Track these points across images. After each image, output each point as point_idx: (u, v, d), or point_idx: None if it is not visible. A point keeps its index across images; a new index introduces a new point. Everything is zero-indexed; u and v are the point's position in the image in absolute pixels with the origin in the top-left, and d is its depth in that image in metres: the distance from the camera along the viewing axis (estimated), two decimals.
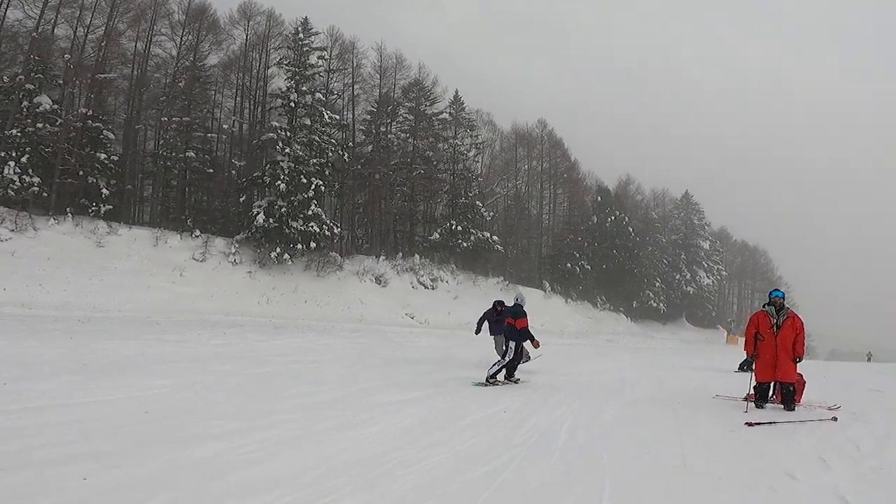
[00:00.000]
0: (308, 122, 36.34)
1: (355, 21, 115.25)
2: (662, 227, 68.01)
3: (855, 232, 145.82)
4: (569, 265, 54.09)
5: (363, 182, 43.32)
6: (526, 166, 55.42)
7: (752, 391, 9.21)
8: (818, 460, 5.72)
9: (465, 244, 43.77)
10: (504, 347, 10.96)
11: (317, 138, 35.95)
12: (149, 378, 8.35)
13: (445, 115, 47.87)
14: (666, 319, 64.47)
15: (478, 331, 13.83)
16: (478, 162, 50.17)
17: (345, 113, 44.41)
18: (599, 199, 58.65)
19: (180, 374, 8.94)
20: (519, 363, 11.35)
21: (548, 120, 56.98)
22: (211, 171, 35.04)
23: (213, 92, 40.13)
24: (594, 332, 49.77)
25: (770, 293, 9.50)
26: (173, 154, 33.83)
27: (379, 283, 37.65)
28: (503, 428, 6.61)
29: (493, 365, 10.65)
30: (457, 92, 48.43)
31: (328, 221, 35.31)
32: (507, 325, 11.01)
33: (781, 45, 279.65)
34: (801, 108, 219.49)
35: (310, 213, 34.15)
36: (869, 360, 45.87)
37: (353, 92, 45.08)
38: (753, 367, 9.25)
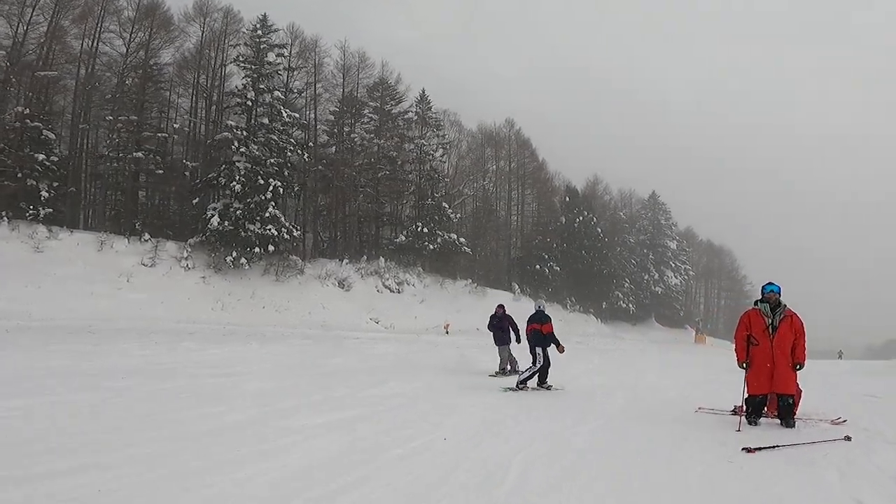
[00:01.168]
0: (266, 121, 34.51)
1: (319, 19, 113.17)
2: (630, 227, 67.50)
3: (818, 230, 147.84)
4: (538, 267, 52.97)
5: (327, 183, 41.57)
6: (493, 166, 54.21)
7: (742, 404, 7.74)
8: None
9: (431, 246, 42.30)
10: (531, 354, 10.82)
11: (275, 138, 34.13)
12: (5, 398, 6.61)
13: (411, 115, 46.42)
14: (635, 320, 63.77)
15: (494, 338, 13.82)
16: (444, 162, 48.72)
17: (306, 112, 42.69)
18: (568, 199, 57.72)
19: (53, 393, 7.33)
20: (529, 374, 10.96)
21: (515, 120, 55.86)
22: (161, 172, 32.82)
23: (166, 91, 38.02)
24: (564, 333, 47.51)
25: (763, 287, 7.78)
26: (121, 155, 31.70)
27: (342, 288, 35.90)
28: (438, 464, 5.09)
29: (525, 371, 10.68)
30: (423, 91, 47.13)
31: (287, 224, 33.50)
32: (532, 330, 10.97)
33: (745, 54, 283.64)
34: (759, 111, 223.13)
35: (267, 215, 32.32)
36: (840, 357, 45.39)
37: (314, 91, 43.30)
38: (744, 377, 7.68)
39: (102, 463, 4.48)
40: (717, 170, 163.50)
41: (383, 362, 14.28)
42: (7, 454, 4.57)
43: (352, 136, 43.33)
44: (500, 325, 13.60)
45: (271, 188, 32.56)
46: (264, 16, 38.22)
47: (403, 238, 42.35)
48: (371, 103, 45.35)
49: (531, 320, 11.14)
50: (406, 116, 46.20)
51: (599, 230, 58.00)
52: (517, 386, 10.39)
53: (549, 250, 54.31)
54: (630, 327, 62.20)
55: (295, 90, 40.10)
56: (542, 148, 58.57)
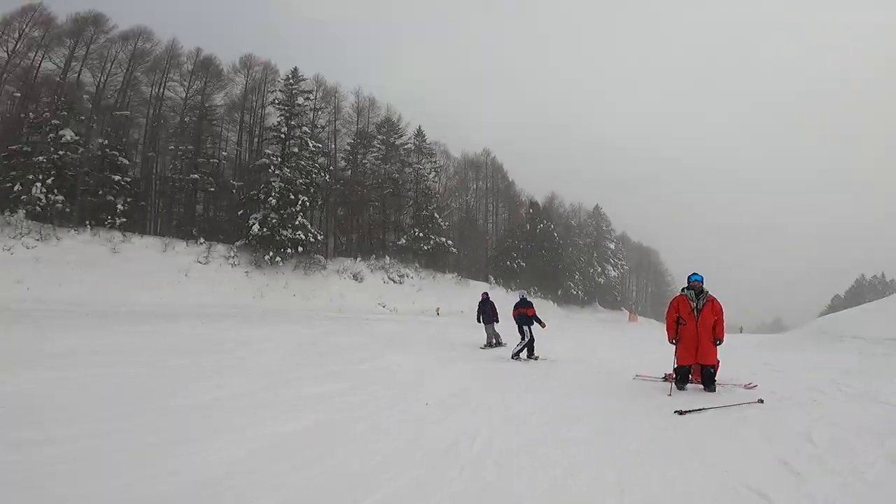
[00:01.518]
0: (296, 150, 33.84)
1: (335, 72, 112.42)
2: (579, 232, 67.07)
3: (726, 227, 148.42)
4: (508, 263, 52.53)
5: (344, 199, 40.94)
6: (474, 185, 53.66)
7: (672, 373, 7.30)
8: (780, 465, 3.72)
9: (425, 247, 41.74)
10: (520, 332, 10.58)
11: (303, 163, 33.45)
12: (38, 370, 5.99)
13: (410, 146, 45.80)
14: (584, 304, 63.38)
15: (478, 320, 13.65)
16: (436, 182, 48.11)
17: (328, 143, 42.03)
18: (531, 211, 57.26)
19: (78, 368, 6.57)
20: (527, 348, 10.72)
21: (491, 149, 55.46)
22: (213, 189, 32.12)
23: (218, 127, 37.25)
24: None
25: (689, 277, 7.39)
26: (181, 176, 30.95)
27: (356, 280, 35.26)
28: (407, 435, 4.40)
29: (517, 345, 10.44)
30: (419, 127, 46.53)
31: (313, 230, 32.81)
32: (519, 314, 10.68)
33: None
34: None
35: (297, 223, 31.63)
36: (741, 332, 45.02)
37: (335, 127, 42.63)
38: (674, 351, 7.23)
39: (92, 431, 3.95)
40: (645, 186, 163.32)
41: (381, 338, 13.52)
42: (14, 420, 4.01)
43: (363, 162, 42.73)
44: (485, 309, 13.40)
45: (300, 202, 31.91)
46: (295, 69, 37.76)
47: (404, 241, 41.76)
48: (379, 136, 44.78)
49: (517, 306, 10.82)
50: (406, 147, 45.56)
51: (556, 235, 57.65)
52: (512, 357, 10.16)
53: (517, 250, 53.93)
54: (580, 309, 61.79)
55: (319, 126, 39.30)
56: (511, 170, 58.26)
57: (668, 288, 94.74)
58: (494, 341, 13.02)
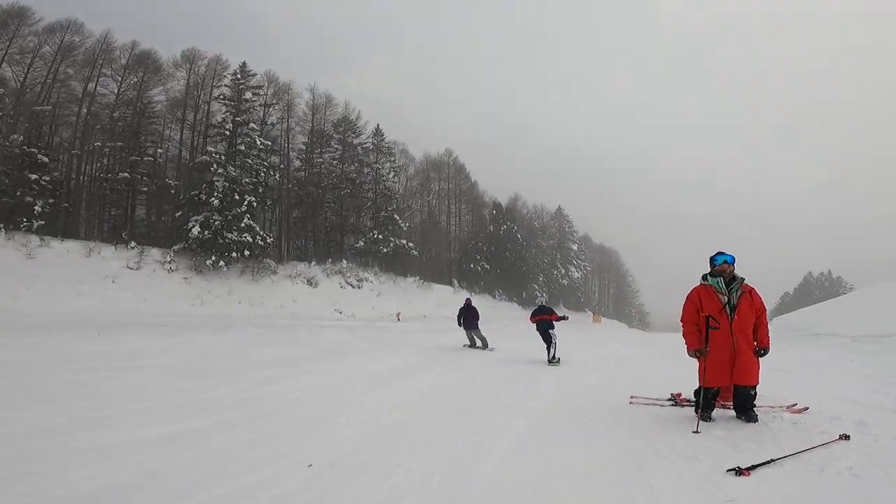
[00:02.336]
0: (243, 148, 31.36)
1: (292, 73, 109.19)
2: (542, 234, 66.39)
3: (677, 224, 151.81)
4: (472, 265, 51.06)
5: (299, 200, 38.56)
6: (436, 186, 52.00)
7: (685, 396, 5.38)
8: None
9: (385, 250, 39.76)
10: (545, 338, 10.51)
11: (250, 161, 31.00)
12: None
13: (368, 145, 43.76)
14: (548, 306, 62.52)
15: (459, 324, 13.73)
16: (396, 183, 46.25)
17: (281, 142, 39.56)
18: (494, 212, 56.07)
19: None
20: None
21: (453, 149, 54.04)
22: (146, 189, 29.30)
23: (159, 126, 34.30)
24: (493, 318, 46.35)
25: (713, 258, 5.01)
26: (109, 176, 28.02)
27: (310, 285, 32.96)
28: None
29: (551, 350, 10.29)
30: (378, 125, 44.74)
31: (262, 233, 30.32)
32: (540, 320, 10.69)
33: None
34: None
35: (243, 225, 29.14)
36: None
37: (287, 125, 40.15)
38: (699, 366, 4.93)
39: None
40: (608, 188, 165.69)
41: (320, 350, 11.51)
42: None
43: (319, 162, 40.48)
44: (467, 314, 13.56)
45: (246, 203, 29.44)
46: (244, 63, 35.49)
47: (362, 244, 39.65)
48: (336, 135, 42.58)
49: (537, 313, 10.90)
50: (364, 146, 43.52)
51: (519, 236, 56.65)
52: (549, 362, 10.06)
53: (480, 252, 52.55)
54: None
55: (269, 123, 36.86)
56: (474, 171, 57.06)
57: (629, 288, 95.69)
58: (480, 343, 13.27)
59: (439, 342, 15.51)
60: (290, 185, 37.23)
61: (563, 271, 65.92)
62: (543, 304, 11.46)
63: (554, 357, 10.15)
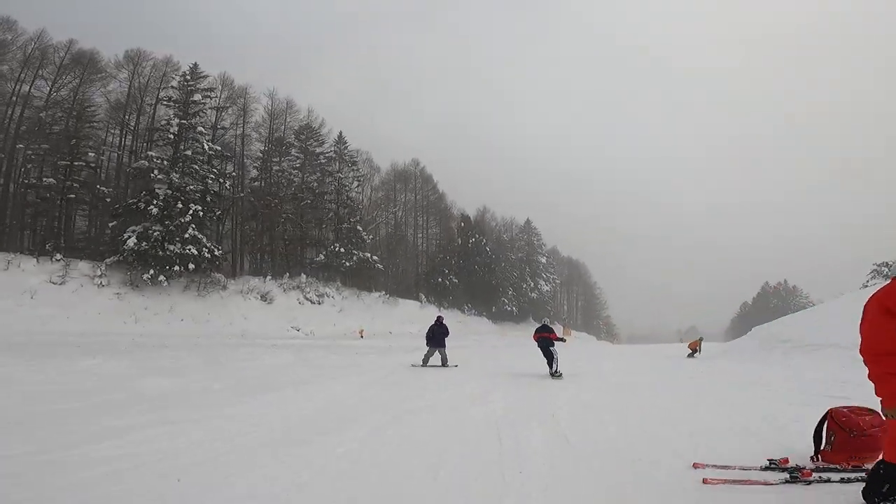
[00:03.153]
0: (189, 153, 28.64)
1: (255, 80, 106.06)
2: (511, 247, 65.03)
3: (645, 240, 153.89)
4: (440, 279, 48.98)
5: (255, 212, 35.87)
6: (403, 198, 49.90)
7: (870, 480, 2.73)
8: None
9: (348, 263, 37.29)
10: (546, 354, 10.91)
11: (196, 167, 28.27)
12: None
13: (331, 153, 41.45)
14: (518, 320, 60.86)
15: (427, 343, 13.27)
16: (360, 193, 44.02)
17: (235, 147, 36.89)
18: (463, 224, 54.40)
19: None
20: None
21: (420, 159, 52.21)
22: (74, 196, 26.18)
23: (99, 129, 31.19)
24: (462, 333, 44.40)
25: None
26: (31, 181, 24.86)
27: (265, 301, 30.21)
28: None
29: (550, 366, 10.76)
30: (341, 133, 42.62)
31: (209, 244, 27.50)
32: (541, 338, 11.15)
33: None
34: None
35: (187, 236, 26.29)
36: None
37: (243, 131, 37.50)
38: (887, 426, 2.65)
39: None
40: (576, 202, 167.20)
41: (252, 378, 8.97)
42: None
43: (278, 171, 37.89)
44: (442, 331, 13.27)
45: (191, 212, 26.65)
46: (195, 64, 32.83)
47: (323, 257, 37.04)
48: (297, 144, 40.15)
49: (539, 331, 11.42)
50: (327, 154, 41.18)
51: (488, 249, 55.03)
52: (552, 376, 10.48)
53: (448, 266, 50.58)
54: (514, 325, 59.24)
55: (222, 127, 34.19)
56: (442, 183, 55.17)
57: (597, 300, 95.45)
58: (441, 362, 12.78)
59: (400, 363, 13.38)
60: (244, 195, 34.48)
61: (533, 284, 64.56)
62: (546, 324, 12.17)
63: (556, 371, 10.64)
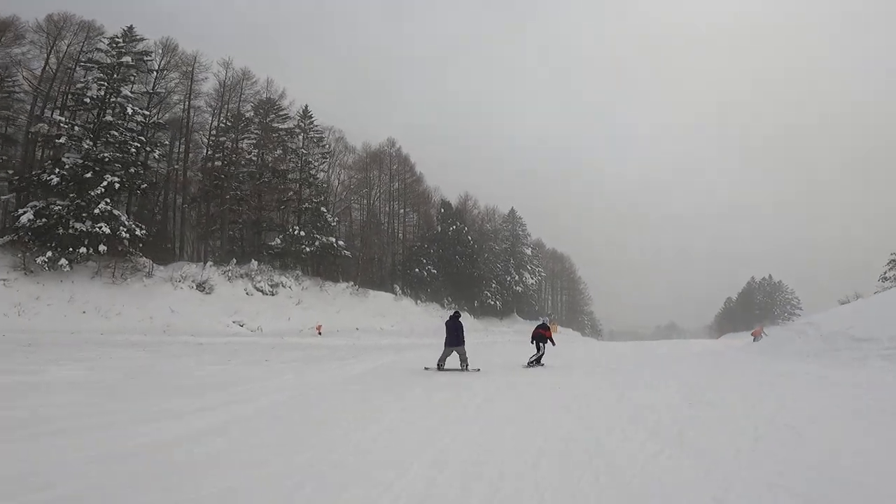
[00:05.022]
0: (110, 117, 23.55)
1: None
2: (494, 237, 60.33)
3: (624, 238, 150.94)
4: (417, 270, 44.20)
5: (205, 192, 30.84)
6: (377, 181, 44.83)
7: None
8: None
9: (308, 249, 32.30)
10: (536, 348, 12.13)
11: (115, 133, 23.17)
12: None
13: (294, 128, 36.45)
14: (502, 315, 56.25)
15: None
16: (327, 174, 39.12)
17: (186, 121, 31.80)
18: (443, 210, 49.53)
19: None
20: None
21: (396, 138, 47.17)
22: None
23: (21, 100, 25.88)
24: (441, 330, 39.61)
25: None
26: None
27: (202, 290, 25.22)
28: None
29: (532, 357, 12.05)
30: (306, 107, 37.57)
31: (128, 223, 22.43)
32: (539, 333, 12.31)
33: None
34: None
35: (97, 212, 21.21)
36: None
37: (188, 104, 32.27)
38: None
39: None
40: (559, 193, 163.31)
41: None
42: None
43: (227, 146, 32.75)
44: (457, 328, 11.48)
45: (105, 184, 21.57)
46: (130, 27, 27.66)
47: (279, 241, 32.04)
48: (255, 119, 35.09)
49: (539, 327, 12.46)
50: (289, 128, 36.15)
51: (470, 238, 50.33)
52: (527, 365, 11.78)
53: (427, 255, 45.80)
54: (498, 321, 54.61)
55: (157, 93, 29.00)
56: (420, 165, 50.12)
57: (582, 296, 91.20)
58: (461, 365, 11.27)
59: (349, 374, 8.80)
60: (185, 168, 29.38)
61: (518, 277, 59.93)
62: (546, 322, 12.88)
63: (534, 359, 11.93)
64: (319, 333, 27.82)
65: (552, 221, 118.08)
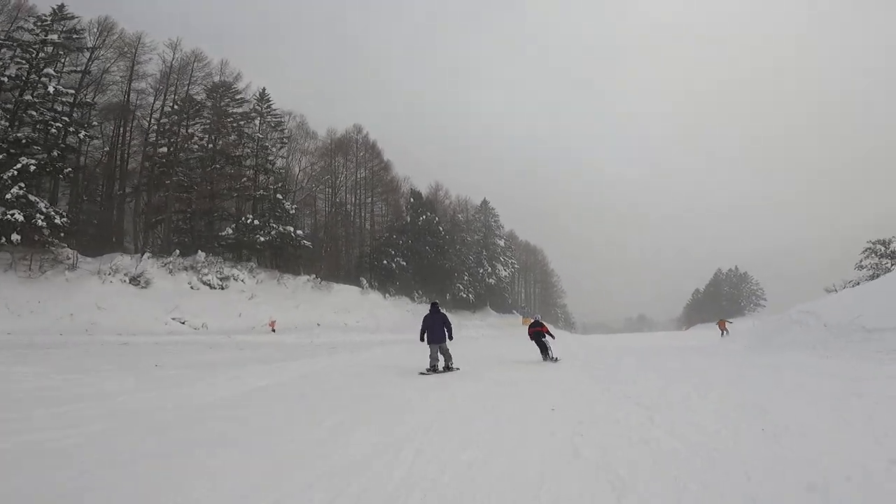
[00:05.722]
0: (30, 97, 20.93)
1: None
2: (467, 228, 58.67)
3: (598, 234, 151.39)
4: (385, 262, 42.24)
5: (151, 180, 28.33)
6: (344, 169, 42.63)
7: None
8: None
9: (263, 239, 30.07)
10: (539, 344, 12.34)
11: (33, 112, 20.59)
12: None
13: (251, 112, 34.04)
14: (475, 308, 54.70)
15: (422, 338, 10.20)
16: (286, 159, 36.72)
17: (131, 106, 29.16)
18: (413, 200, 47.60)
19: None
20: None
21: (363, 125, 44.86)
22: None
23: None
24: (410, 325, 37.77)
25: None
26: None
27: (135, 285, 22.88)
28: None
29: (545, 354, 12.13)
30: (263, 89, 35.13)
31: (46, 209, 19.96)
32: (535, 331, 12.45)
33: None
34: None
35: (10, 197, 18.74)
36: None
37: (129, 87, 29.54)
38: None
39: None
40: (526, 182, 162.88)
41: None
42: None
43: (174, 129, 30.20)
44: (431, 323, 10.15)
45: (19, 166, 19.06)
46: (61, 5, 25.00)
47: (230, 231, 29.74)
48: (208, 102, 32.55)
49: (533, 325, 12.62)
50: (244, 112, 33.75)
51: (441, 229, 48.50)
52: (545, 360, 12.02)
53: (395, 247, 43.85)
54: (471, 315, 53.04)
55: (88, 72, 26.25)
56: (388, 153, 47.85)
57: (555, 288, 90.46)
58: (443, 365, 9.98)
59: (251, 386, 6.97)
60: (135, 160, 26.83)
61: (491, 269, 58.45)
62: (538, 319, 12.91)
63: (551, 356, 12.09)
64: (273, 330, 25.82)
65: (518, 207, 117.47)
